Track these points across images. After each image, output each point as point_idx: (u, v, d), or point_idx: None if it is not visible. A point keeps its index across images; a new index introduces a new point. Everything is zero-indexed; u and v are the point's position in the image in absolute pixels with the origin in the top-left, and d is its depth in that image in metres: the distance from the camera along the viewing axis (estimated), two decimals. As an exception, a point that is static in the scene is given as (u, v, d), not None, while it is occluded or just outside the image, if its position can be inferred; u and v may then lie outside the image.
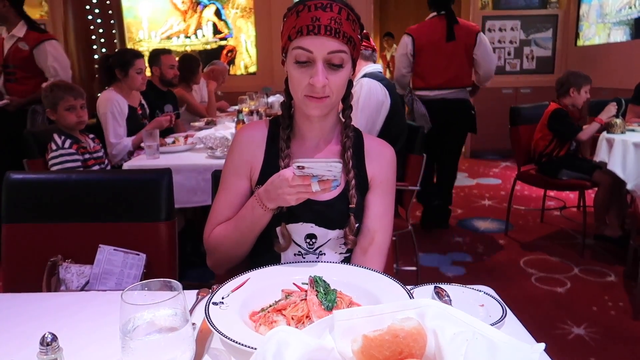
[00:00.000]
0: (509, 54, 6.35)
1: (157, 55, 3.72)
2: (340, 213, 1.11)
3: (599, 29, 5.66)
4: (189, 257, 2.92)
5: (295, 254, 1.13)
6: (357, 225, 1.12)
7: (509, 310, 0.85)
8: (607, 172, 3.07)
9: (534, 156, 3.53)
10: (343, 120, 1.16)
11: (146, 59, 3.58)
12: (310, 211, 1.10)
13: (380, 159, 1.18)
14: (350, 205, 1.11)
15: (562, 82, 3.44)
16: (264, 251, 1.12)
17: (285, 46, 1.06)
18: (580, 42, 6.06)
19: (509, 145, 3.95)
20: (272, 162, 1.13)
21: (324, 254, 1.13)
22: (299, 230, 1.11)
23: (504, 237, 3.62)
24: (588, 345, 2.24)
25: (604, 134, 3.12)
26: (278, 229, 1.10)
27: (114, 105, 2.99)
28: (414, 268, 2.80)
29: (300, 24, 1.00)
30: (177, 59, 3.85)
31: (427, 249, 3.38)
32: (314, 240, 1.12)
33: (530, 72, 6.39)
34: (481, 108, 6.33)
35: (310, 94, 1.03)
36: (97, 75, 5.00)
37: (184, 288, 0.87)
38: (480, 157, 6.49)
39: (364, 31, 2.58)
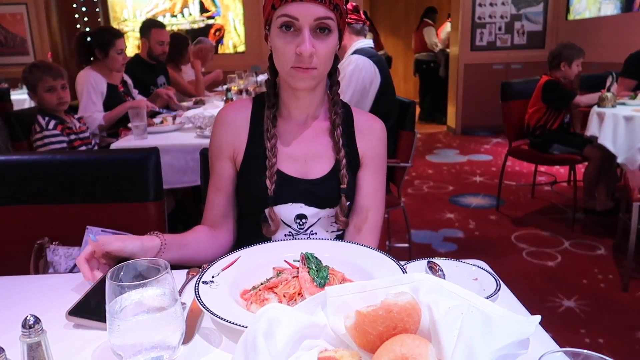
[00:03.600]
0: (499, 29, 6.30)
1: (149, 27, 3.60)
2: (331, 191, 1.08)
3: (589, 3, 5.61)
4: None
5: (285, 235, 1.11)
6: (348, 204, 1.10)
7: (502, 284, 0.84)
8: (598, 146, 3.08)
9: (528, 130, 3.52)
10: (331, 96, 1.12)
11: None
12: (298, 191, 1.08)
13: (371, 135, 1.14)
14: (341, 186, 1.08)
15: (554, 55, 3.42)
16: (253, 236, 1.09)
17: (268, 17, 1.02)
18: (570, 17, 6.02)
19: (499, 121, 3.94)
20: (257, 142, 1.10)
21: (315, 233, 1.11)
22: (289, 211, 1.09)
23: (495, 213, 3.63)
24: (578, 317, 2.27)
25: (595, 108, 3.11)
26: (266, 211, 1.08)
27: (89, 82, 2.94)
28: (406, 245, 2.80)
29: None
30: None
31: (419, 226, 3.39)
32: (304, 220, 1.10)
33: (521, 47, 6.35)
34: (471, 84, 6.35)
35: (297, 65, 0.98)
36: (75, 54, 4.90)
37: (175, 268, 0.86)
38: (470, 133, 6.49)
39: (354, 3, 2.54)
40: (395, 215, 3.21)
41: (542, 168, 4.29)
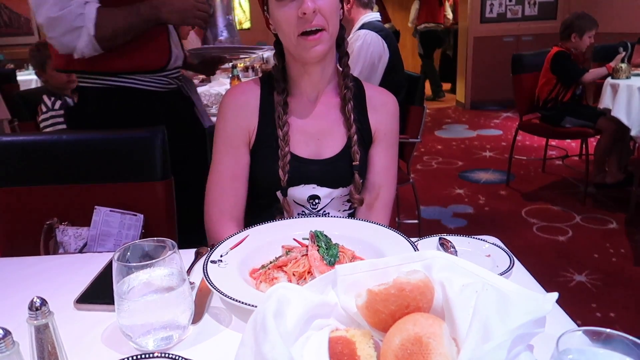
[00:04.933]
0: (510, 0, 6.14)
1: None
2: (344, 170, 1.06)
3: (604, -30, 5.44)
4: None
5: (298, 214, 1.09)
6: (361, 181, 1.08)
7: (516, 260, 0.82)
8: (611, 118, 3.02)
9: (538, 103, 3.45)
10: (341, 69, 1.08)
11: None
12: (311, 172, 1.05)
13: (383, 110, 1.11)
14: (353, 163, 1.05)
15: (566, 25, 3.33)
16: (265, 217, 1.07)
17: None
18: (584, -15, 5.84)
19: (509, 95, 3.87)
20: (269, 126, 1.06)
21: (328, 213, 1.10)
22: (301, 192, 1.06)
23: (505, 188, 3.60)
24: (590, 291, 2.25)
25: (609, 80, 3.04)
26: (280, 200, 1.05)
27: None
28: (415, 221, 2.79)
29: None
30: None
31: (429, 202, 3.37)
32: (317, 201, 1.08)
33: (532, 18, 6.19)
34: (481, 57, 6.23)
35: (303, 30, 0.94)
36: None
37: (183, 247, 0.85)
38: (480, 108, 6.40)
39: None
40: (404, 192, 3.19)
41: (553, 142, 4.23)
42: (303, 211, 1.09)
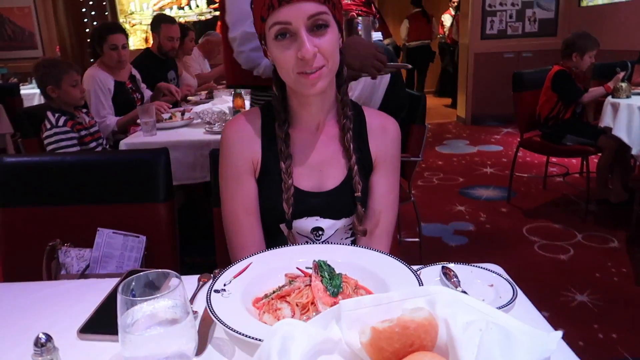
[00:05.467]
0: (510, 16, 6.20)
1: (159, 22, 3.58)
2: (346, 201, 1.06)
3: (603, -12, 5.50)
4: (189, 232, 2.91)
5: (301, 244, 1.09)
6: (363, 210, 1.07)
7: (519, 291, 0.82)
8: (612, 137, 3.03)
9: (539, 120, 3.47)
10: (340, 97, 1.07)
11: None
12: (313, 204, 1.05)
13: (384, 137, 1.10)
14: (355, 194, 1.05)
15: (567, 44, 3.35)
16: (267, 245, 1.07)
17: (261, 32, 0.97)
18: (584, 3, 5.91)
19: (509, 110, 3.88)
20: (271, 158, 1.05)
21: (331, 243, 1.09)
22: (305, 224, 1.06)
23: (506, 205, 3.60)
24: (591, 311, 2.24)
25: (609, 99, 3.06)
26: (285, 234, 1.05)
27: (96, 82, 2.92)
28: (416, 239, 2.78)
29: None
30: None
31: (430, 219, 3.37)
32: (320, 232, 1.07)
33: (532, 35, 6.25)
34: (482, 73, 6.27)
35: (302, 70, 0.93)
36: (89, 50, 4.91)
37: (185, 274, 0.85)
38: (480, 123, 6.42)
39: (366, -4, 2.49)
40: (405, 209, 3.19)
41: (554, 159, 4.23)
42: (307, 242, 1.08)
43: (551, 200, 3.68)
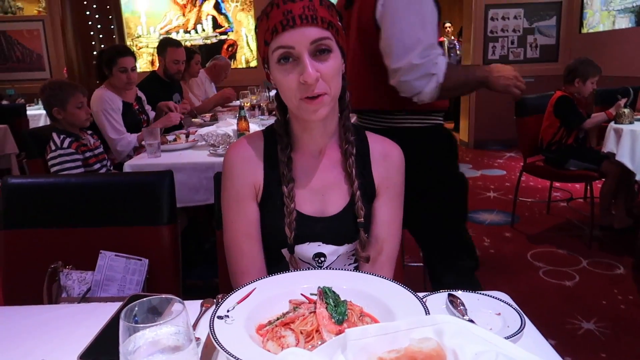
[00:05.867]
0: (512, 42, 6.27)
1: (165, 45, 3.63)
2: (348, 227, 1.05)
3: (603, 16, 5.57)
4: (192, 255, 2.90)
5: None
6: (366, 236, 1.06)
7: (527, 320, 0.81)
8: (615, 162, 3.03)
9: (542, 145, 3.47)
10: (342, 122, 1.07)
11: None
12: (315, 229, 1.04)
13: (387, 163, 1.10)
14: (358, 220, 1.04)
15: (569, 70, 3.38)
16: (269, 270, 1.07)
17: (264, 56, 0.97)
18: (584, 30, 5.98)
19: (512, 135, 3.88)
20: (273, 182, 1.04)
21: (335, 269, 1.08)
22: (307, 250, 1.05)
23: (510, 230, 3.58)
24: (598, 340, 2.21)
25: (612, 124, 3.07)
26: (287, 259, 1.05)
27: (105, 102, 2.96)
28: (420, 264, 2.76)
29: (272, 23, 0.92)
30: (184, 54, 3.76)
31: (433, 243, 3.34)
32: (322, 259, 1.06)
33: (533, 60, 6.31)
34: (484, 97, 6.31)
35: (305, 95, 0.93)
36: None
37: (188, 299, 0.84)
38: (483, 147, 6.43)
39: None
40: (409, 232, 3.17)
41: (557, 184, 4.22)
42: (309, 268, 1.07)
43: (555, 226, 3.66)
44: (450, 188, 1.76)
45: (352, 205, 1.05)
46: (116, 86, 3.05)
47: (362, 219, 1.04)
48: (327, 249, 1.06)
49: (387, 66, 1.52)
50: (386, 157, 1.10)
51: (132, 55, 3.10)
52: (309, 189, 1.06)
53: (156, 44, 3.97)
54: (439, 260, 1.90)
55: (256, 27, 1.00)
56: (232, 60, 6.53)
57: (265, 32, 0.94)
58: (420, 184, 1.42)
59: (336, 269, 1.07)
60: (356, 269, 1.11)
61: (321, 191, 1.06)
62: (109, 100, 2.97)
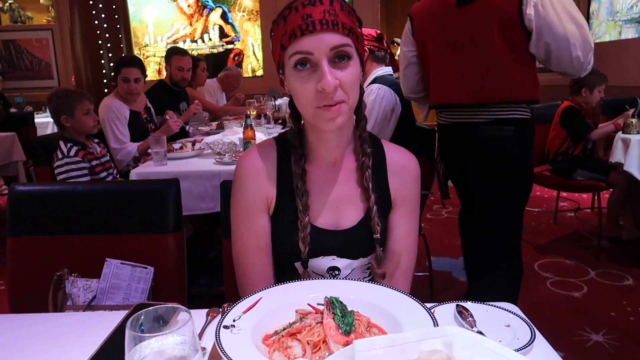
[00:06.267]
0: (518, 52, 6.26)
1: (171, 54, 3.72)
2: (364, 241, 1.02)
3: (609, 27, 5.57)
4: (197, 263, 2.89)
5: None
6: (382, 251, 1.03)
7: (537, 332, 0.80)
8: (623, 172, 3.00)
9: (549, 155, 3.46)
10: (358, 133, 1.03)
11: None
12: (330, 243, 1.01)
13: (405, 175, 1.06)
14: (374, 235, 1.00)
15: (575, 80, 3.37)
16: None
17: (280, 60, 0.93)
18: (590, 40, 5.97)
19: (520, 145, 3.86)
20: (287, 193, 1.01)
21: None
22: (321, 264, 1.02)
23: (517, 240, 3.55)
24: (607, 352, 2.17)
25: (620, 134, 3.05)
26: (301, 271, 1.02)
27: (111, 111, 2.99)
28: (426, 274, 2.74)
29: (291, 27, 0.88)
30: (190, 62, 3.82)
31: (439, 253, 3.32)
32: (337, 272, 1.04)
33: (540, 70, 6.26)
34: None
35: (322, 104, 0.89)
36: (105, 81, 5.03)
37: (194, 307, 0.84)
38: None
39: (378, 31, 2.53)
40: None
41: (564, 193, 4.20)
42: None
43: (562, 236, 3.63)
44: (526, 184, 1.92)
45: (368, 219, 1.01)
46: (120, 95, 3.08)
47: (379, 235, 1.01)
48: (341, 262, 1.03)
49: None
50: (404, 169, 1.07)
51: (139, 66, 3.11)
52: (323, 201, 1.03)
53: (163, 53, 4.03)
54: (489, 257, 1.94)
55: (272, 31, 0.96)
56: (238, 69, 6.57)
57: (282, 36, 0.90)
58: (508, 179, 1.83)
59: (343, 278, 1.06)
60: (371, 280, 1.08)
61: (336, 204, 1.03)
62: (116, 110, 3.00)
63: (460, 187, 2.21)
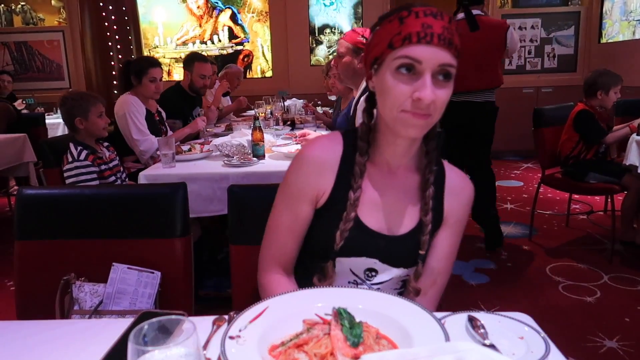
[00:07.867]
0: (529, 52, 6.21)
1: (192, 60, 3.66)
2: (410, 252, 1.01)
3: (622, 26, 5.49)
4: (205, 265, 2.89)
5: (349, 282, 1.05)
6: (421, 266, 1.03)
7: (552, 345, 0.77)
8: (637, 175, 2.95)
9: (560, 158, 3.40)
10: (426, 150, 1.03)
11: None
12: (375, 246, 1.01)
13: (460, 197, 1.06)
14: (420, 251, 1.01)
15: (589, 83, 3.29)
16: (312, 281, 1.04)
17: (380, 55, 0.92)
18: (603, 40, 5.89)
19: (530, 145, 3.82)
20: (343, 188, 1.01)
21: (379, 289, 1.05)
22: (360, 263, 1.02)
23: (528, 243, 3.51)
24: (622, 359, 2.13)
25: (634, 137, 2.99)
26: (328, 263, 1.01)
27: (131, 105, 3.01)
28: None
29: (407, 31, 0.88)
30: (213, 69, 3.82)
31: (449, 256, 3.28)
32: (373, 273, 1.03)
33: (551, 70, 6.24)
34: (501, 108, 6.22)
35: (410, 109, 0.89)
36: (115, 82, 5.03)
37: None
38: (500, 158, 6.34)
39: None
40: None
41: (576, 196, 4.14)
42: (355, 280, 1.04)
43: (575, 239, 3.58)
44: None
45: (418, 232, 1.01)
46: (143, 95, 3.10)
47: (425, 252, 1.01)
48: (381, 267, 1.03)
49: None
50: (461, 191, 1.07)
51: (161, 66, 3.19)
52: (377, 203, 1.03)
53: (173, 55, 4.03)
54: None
55: (378, 24, 0.96)
56: (248, 70, 6.57)
57: (395, 36, 0.90)
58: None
59: (351, 287, 1.04)
60: (400, 294, 1.06)
61: (388, 208, 1.03)
62: (134, 104, 3.02)
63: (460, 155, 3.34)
